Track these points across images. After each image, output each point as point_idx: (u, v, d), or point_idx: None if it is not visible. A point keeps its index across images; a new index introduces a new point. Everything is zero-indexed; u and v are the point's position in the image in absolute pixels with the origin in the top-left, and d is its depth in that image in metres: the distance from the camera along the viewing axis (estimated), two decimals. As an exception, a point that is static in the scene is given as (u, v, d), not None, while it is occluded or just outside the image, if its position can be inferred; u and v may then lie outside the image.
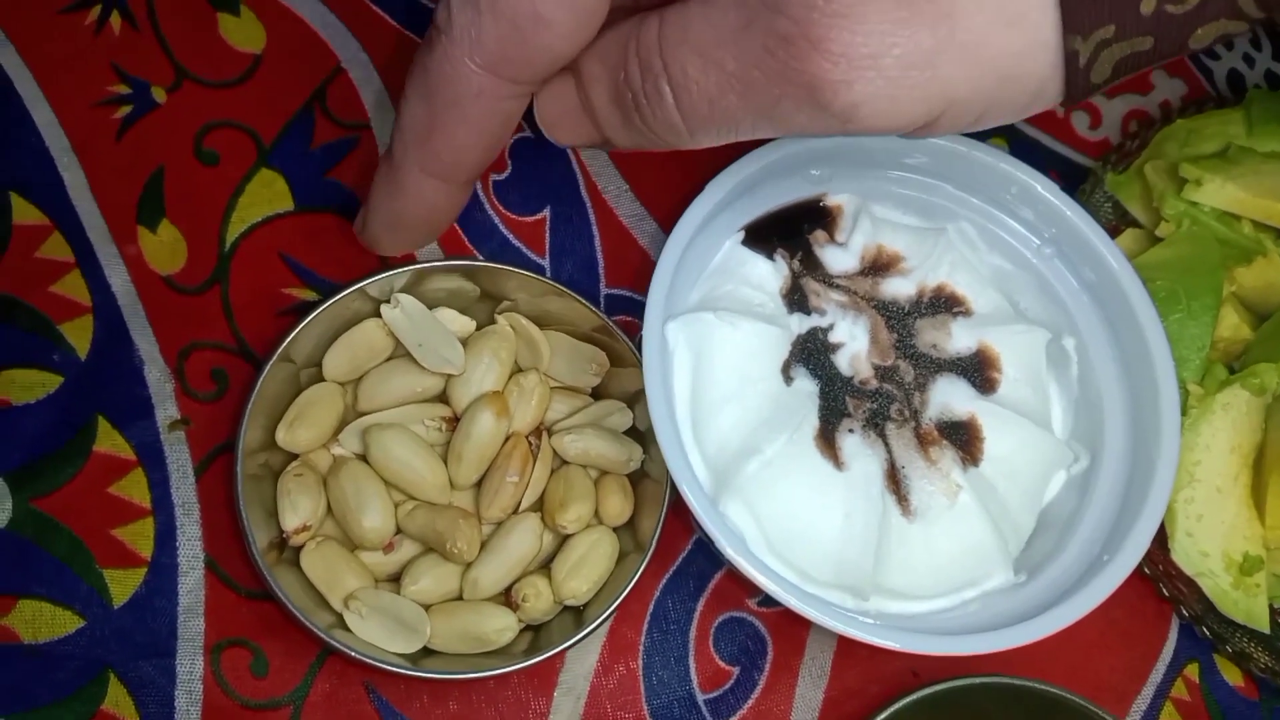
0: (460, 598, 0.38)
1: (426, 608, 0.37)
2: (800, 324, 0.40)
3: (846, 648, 0.42)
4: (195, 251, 0.42)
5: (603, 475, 0.40)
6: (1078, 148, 0.51)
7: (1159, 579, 0.43)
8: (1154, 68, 0.30)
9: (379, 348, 0.40)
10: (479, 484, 0.39)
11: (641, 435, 0.41)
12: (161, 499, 0.39)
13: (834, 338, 0.41)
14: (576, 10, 0.30)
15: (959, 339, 0.41)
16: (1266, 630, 0.43)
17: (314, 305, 0.38)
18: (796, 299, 0.41)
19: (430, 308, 0.40)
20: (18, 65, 0.43)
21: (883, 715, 0.38)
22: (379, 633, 0.37)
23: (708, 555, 0.42)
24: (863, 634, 0.35)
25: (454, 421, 0.39)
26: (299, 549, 0.38)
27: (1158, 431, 0.39)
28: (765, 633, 0.41)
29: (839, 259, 0.42)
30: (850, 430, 0.39)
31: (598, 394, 0.42)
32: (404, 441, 0.38)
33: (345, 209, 0.44)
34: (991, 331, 0.41)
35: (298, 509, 0.37)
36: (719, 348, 0.38)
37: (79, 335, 0.40)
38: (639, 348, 0.37)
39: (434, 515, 0.38)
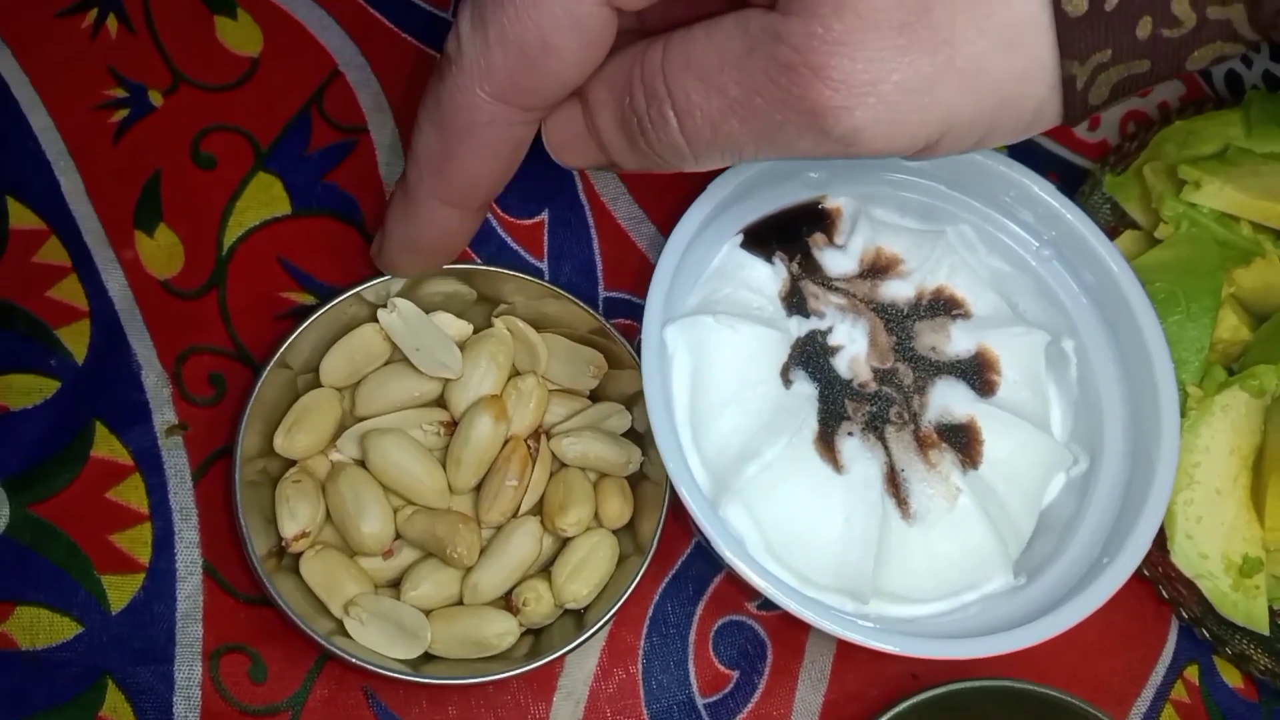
0: (460, 602, 0.38)
1: (427, 613, 0.37)
2: (799, 327, 0.40)
3: (846, 651, 0.42)
4: (192, 255, 0.42)
5: (602, 478, 0.40)
6: (1076, 150, 0.51)
7: (1159, 581, 0.43)
8: None
9: (376, 352, 0.40)
10: (478, 488, 0.39)
11: (640, 437, 0.40)
12: (159, 504, 0.39)
13: (833, 340, 0.40)
14: (583, 38, 0.31)
15: (958, 341, 0.41)
16: (1266, 632, 0.43)
17: (311, 310, 0.38)
18: (795, 302, 0.41)
19: (427, 312, 0.40)
20: (14, 69, 0.43)
21: (883, 719, 0.38)
22: (379, 639, 0.37)
23: (707, 559, 0.42)
24: (862, 638, 0.35)
25: (452, 426, 0.39)
26: (298, 555, 0.37)
27: (1157, 433, 0.39)
28: (765, 636, 0.41)
29: (838, 262, 0.42)
30: (849, 433, 0.39)
31: (596, 396, 0.42)
32: (402, 446, 0.38)
33: (343, 213, 0.43)
34: (991, 334, 0.41)
35: (296, 516, 0.37)
36: (718, 351, 0.38)
37: (76, 340, 0.40)
38: (637, 350, 0.37)
39: (433, 520, 0.38)
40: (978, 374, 0.41)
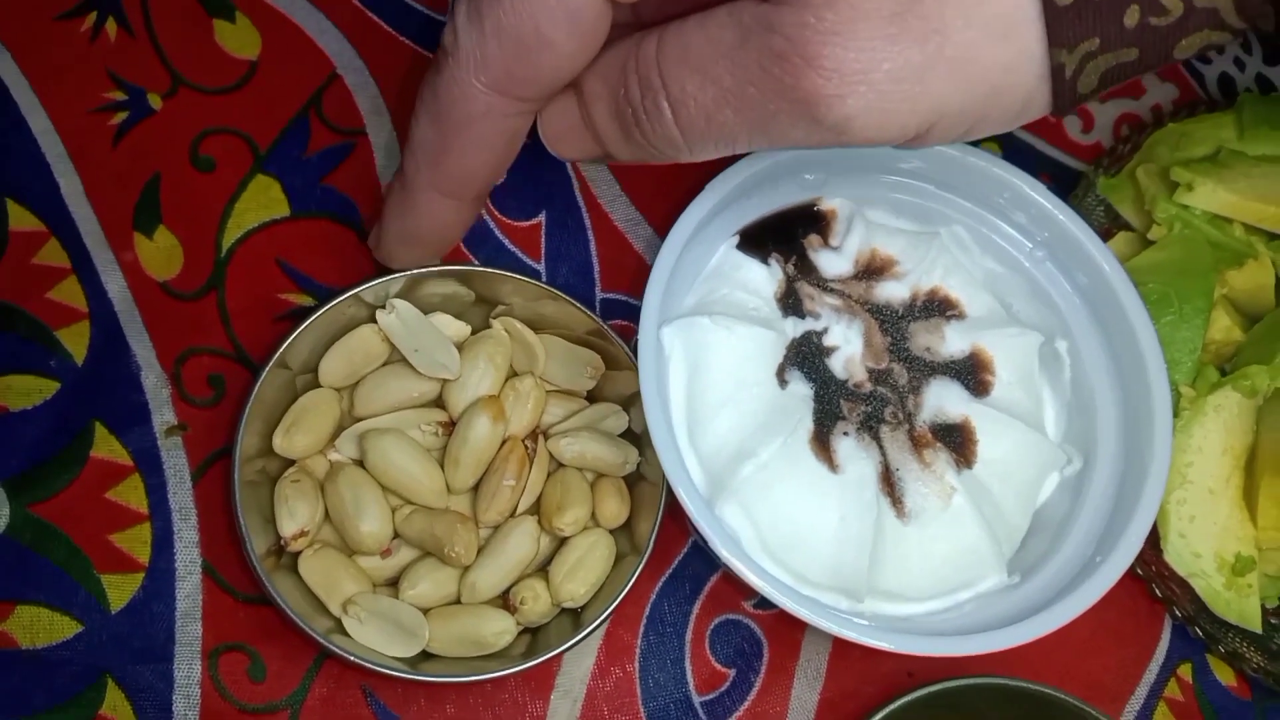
0: (458, 601, 0.38)
1: (425, 611, 0.37)
2: (795, 328, 0.40)
3: (842, 649, 0.42)
4: (192, 257, 0.42)
5: (599, 478, 0.40)
6: (1070, 151, 0.51)
7: (1152, 580, 0.43)
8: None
9: (375, 353, 0.40)
10: (476, 488, 0.39)
11: (637, 438, 0.41)
12: (159, 504, 0.39)
13: (828, 341, 0.41)
14: (578, 30, 0.31)
15: (952, 342, 0.42)
16: (1259, 630, 0.43)
17: (310, 311, 0.39)
18: (791, 303, 0.41)
19: (426, 313, 0.40)
20: (13, 72, 0.43)
21: (878, 716, 0.38)
22: (378, 637, 0.37)
23: (704, 558, 0.42)
24: (858, 635, 0.35)
25: (450, 426, 0.40)
26: (297, 554, 0.38)
27: (1150, 433, 0.40)
28: (761, 635, 0.42)
29: (833, 263, 0.42)
30: (845, 433, 0.39)
31: (593, 397, 0.42)
32: (401, 446, 0.38)
33: (341, 214, 0.44)
34: (985, 335, 0.42)
35: (295, 515, 0.37)
36: (714, 351, 0.38)
37: (76, 341, 0.40)
38: (634, 351, 0.37)
39: (431, 519, 0.38)
40: (972, 374, 0.41)
